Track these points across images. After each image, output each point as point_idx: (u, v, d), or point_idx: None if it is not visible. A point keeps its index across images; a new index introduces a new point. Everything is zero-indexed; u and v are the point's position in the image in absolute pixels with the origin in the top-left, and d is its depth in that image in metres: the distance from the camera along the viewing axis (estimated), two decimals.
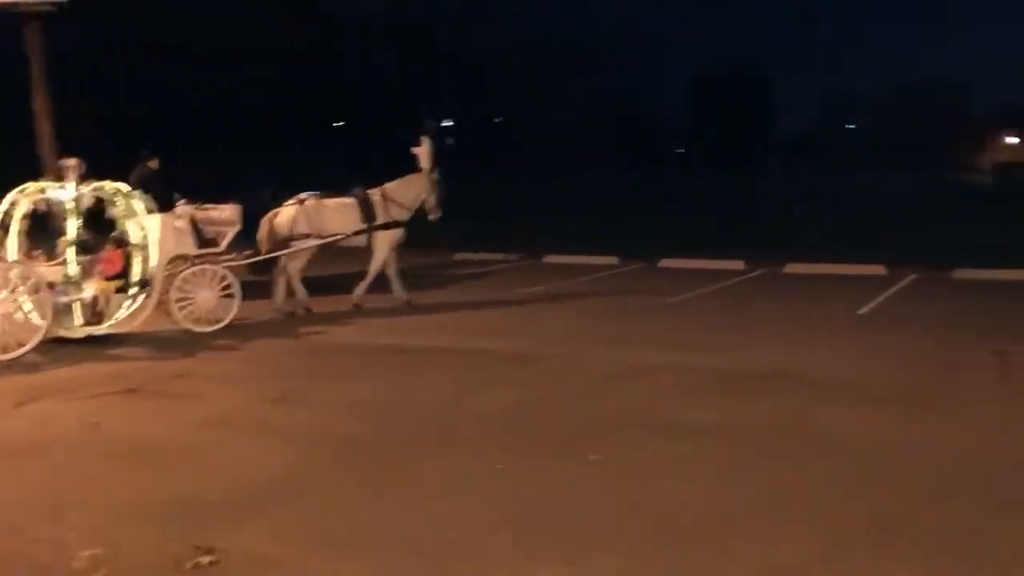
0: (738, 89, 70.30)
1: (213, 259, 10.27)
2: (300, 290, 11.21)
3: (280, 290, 11.13)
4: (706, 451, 5.34)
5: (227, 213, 10.55)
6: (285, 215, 11.23)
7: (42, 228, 9.30)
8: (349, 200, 11.42)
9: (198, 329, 9.87)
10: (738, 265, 15.25)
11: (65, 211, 9.18)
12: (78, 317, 9.29)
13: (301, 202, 11.27)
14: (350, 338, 9.40)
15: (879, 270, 14.20)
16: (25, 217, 9.25)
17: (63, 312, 9.27)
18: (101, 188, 9.46)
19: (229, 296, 10.10)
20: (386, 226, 11.39)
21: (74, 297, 9.20)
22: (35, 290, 8.84)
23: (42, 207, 9.29)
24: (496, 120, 54.29)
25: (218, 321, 9.96)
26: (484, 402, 6.57)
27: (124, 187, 9.65)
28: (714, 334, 9.19)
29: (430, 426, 6.02)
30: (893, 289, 12.09)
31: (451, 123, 50.55)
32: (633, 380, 7.10)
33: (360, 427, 6.01)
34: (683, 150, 67.33)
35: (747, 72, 70.74)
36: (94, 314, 9.45)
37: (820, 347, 8.41)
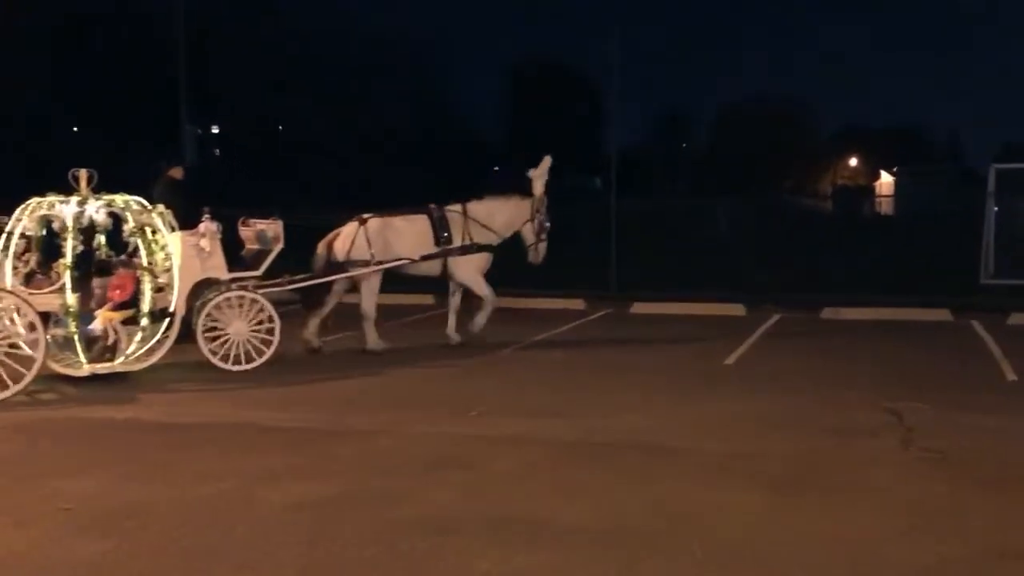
0: (566, 102, 72.39)
1: (249, 285, 10.16)
2: (371, 329, 10.95)
3: (314, 321, 10.99)
4: (573, 564, 4.75)
5: (271, 229, 10.43)
6: (346, 236, 11.07)
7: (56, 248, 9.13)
8: (419, 217, 11.26)
9: (229, 368, 9.75)
10: (578, 304, 15.08)
11: (67, 228, 9.05)
12: (82, 352, 9.19)
13: (363, 221, 11.08)
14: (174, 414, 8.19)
15: (738, 310, 14.44)
16: (24, 236, 9.19)
17: (63, 346, 9.32)
18: (112, 202, 9.33)
19: (268, 330, 9.89)
20: (464, 250, 11.19)
21: (73, 330, 9.11)
22: (30, 324, 8.78)
23: (58, 225, 9.12)
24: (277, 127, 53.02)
25: (251, 359, 9.81)
26: (269, 504, 5.69)
27: (138, 201, 9.53)
28: (560, 393, 8.72)
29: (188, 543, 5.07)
30: (758, 332, 12.15)
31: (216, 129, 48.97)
32: (470, 462, 6.43)
33: (91, 550, 4.96)
34: (498, 168, 68.33)
35: (578, 85, 73.15)
36: (106, 349, 9.39)
37: (686, 408, 8.12)
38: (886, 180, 57.01)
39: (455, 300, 11.62)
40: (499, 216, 11.41)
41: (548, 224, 11.58)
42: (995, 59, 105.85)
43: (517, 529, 5.15)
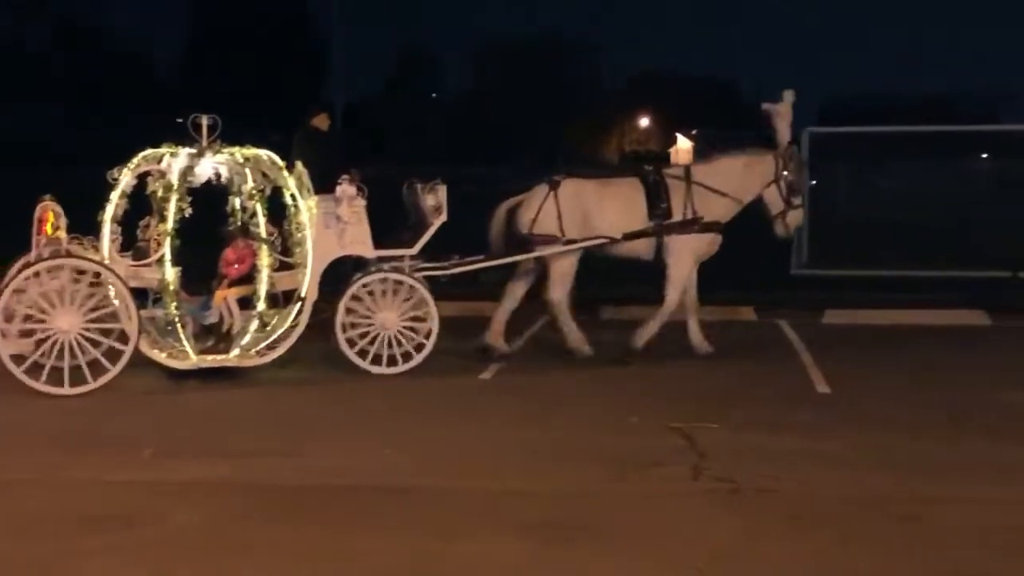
0: (276, 40, 70.60)
1: (403, 265, 10.50)
2: (570, 325, 11.17)
3: (568, 323, 11.13)
4: None
5: (431, 197, 10.66)
6: (531, 205, 11.09)
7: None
8: (629, 182, 11.16)
9: (373, 369, 10.19)
10: None
11: (171, 185, 9.70)
12: (186, 340, 9.80)
13: (555, 186, 10.96)
14: None
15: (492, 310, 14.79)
16: (124, 196, 9.83)
17: (164, 332, 10.00)
18: (231, 156, 9.93)
19: (419, 321, 10.27)
20: (685, 225, 10.93)
21: (173, 311, 9.74)
22: (123, 302, 9.45)
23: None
24: None
25: (401, 359, 10.24)
26: None
27: (269, 156, 10.13)
28: (288, 427, 8.79)
29: None
30: (522, 337, 12.60)
31: None
32: (130, 522, 6.35)
33: None
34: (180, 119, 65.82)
35: (294, 20, 71.33)
36: (220, 338, 10.05)
37: (441, 437, 8.36)
38: (683, 146, 59.88)
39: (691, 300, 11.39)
40: (735, 176, 11.28)
41: (801, 184, 11.42)
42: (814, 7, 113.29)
43: None
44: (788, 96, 11.46)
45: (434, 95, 67.30)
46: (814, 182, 17.19)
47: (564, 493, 6.99)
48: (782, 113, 11.42)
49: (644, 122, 67.78)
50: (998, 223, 17.86)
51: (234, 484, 7.10)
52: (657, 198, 11.13)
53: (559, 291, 11.16)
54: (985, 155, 27.06)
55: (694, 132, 60.33)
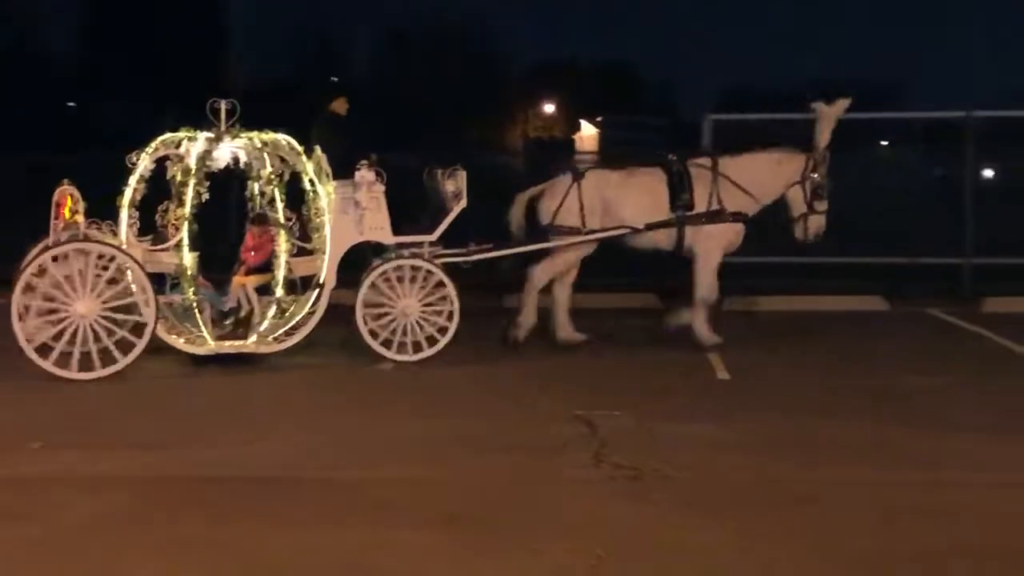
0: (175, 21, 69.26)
1: (422, 252, 10.61)
2: (531, 307, 11.28)
3: (531, 301, 11.24)
4: None
5: (451, 183, 10.84)
6: (554, 195, 11.20)
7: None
8: (652, 171, 11.23)
9: (394, 357, 10.37)
10: None
11: (189, 170, 9.94)
12: (203, 325, 10.00)
13: (579, 177, 11.11)
14: None
15: None
16: (143, 180, 10.03)
17: (182, 316, 10.20)
18: (250, 140, 10.15)
19: (439, 310, 10.40)
20: (710, 216, 10.97)
21: (191, 297, 9.99)
22: (141, 287, 9.66)
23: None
24: None
25: (422, 347, 10.40)
26: None
27: (287, 140, 10.34)
28: (173, 422, 8.69)
29: None
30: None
31: None
32: (17, 519, 6.24)
33: None
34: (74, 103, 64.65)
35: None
36: (238, 324, 10.29)
37: (348, 428, 8.39)
38: (588, 133, 60.23)
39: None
40: (760, 174, 11.24)
41: (826, 188, 11.29)
42: None
43: None
44: (842, 102, 11.43)
45: (335, 79, 66.83)
46: None
47: (466, 482, 7.05)
48: (828, 116, 11.41)
49: (548, 108, 68.07)
50: (898, 210, 18.28)
51: (127, 478, 7.03)
52: (680, 189, 11.20)
53: (545, 273, 11.32)
54: (885, 142, 27.68)
55: (599, 119, 60.71)
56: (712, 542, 5.97)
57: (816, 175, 11.27)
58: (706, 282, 11.28)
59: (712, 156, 11.48)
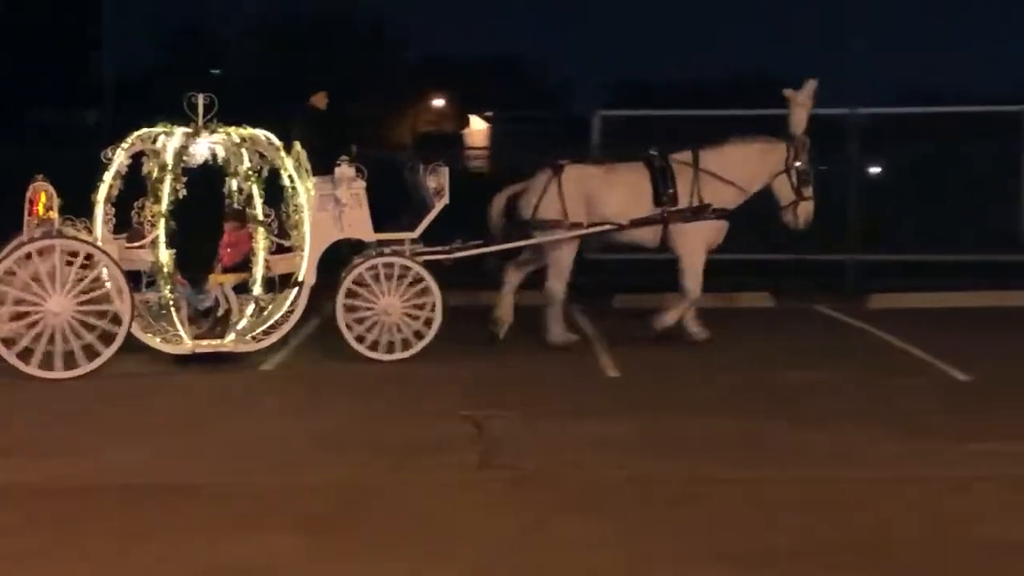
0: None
1: (404, 250, 10.67)
2: (557, 318, 11.33)
3: (507, 300, 11.41)
4: None
5: (433, 180, 10.85)
6: (534, 190, 11.19)
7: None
8: (634, 167, 11.19)
9: (378, 356, 10.38)
10: None
11: (166, 165, 9.92)
12: (180, 324, 10.00)
13: (557, 170, 10.93)
14: None
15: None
16: (119, 176, 10.01)
17: (157, 315, 10.20)
18: (228, 136, 10.14)
19: (422, 307, 10.43)
20: (695, 212, 10.99)
21: (167, 295, 9.97)
22: (117, 286, 9.68)
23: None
24: None
25: (407, 346, 10.42)
26: None
27: (267, 136, 10.38)
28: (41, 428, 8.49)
29: None
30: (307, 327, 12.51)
31: None
32: None
33: None
34: None
35: None
36: (216, 322, 10.27)
37: (213, 430, 8.29)
38: (477, 127, 60.17)
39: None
40: (742, 166, 11.23)
41: (812, 173, 11.41)
42: None
43: None
44: (809, 85, 11.52)
45: (215, 72, 65.81)
46: None
47: (346, 485, 7.00)
48: (800, 101, 11.48)
49: (438, 102, 67.92)
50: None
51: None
52: (663, 184, 11.25)
53: (558, 281, 11.31)
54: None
55: (489, 113, 60.72)
56: (593, 541, 5.99)
57: (799, 163, 11.44)
58: (692, 280, 11.40)
59: (692, 151, 11.55)
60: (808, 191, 11.48)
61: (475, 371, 10.53)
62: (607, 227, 11.35)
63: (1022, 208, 16.41)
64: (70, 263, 9.76)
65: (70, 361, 9.72)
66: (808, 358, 11.11)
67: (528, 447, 7.86)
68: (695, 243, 11.34)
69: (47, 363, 9.65)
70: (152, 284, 10.27)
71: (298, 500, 6.68)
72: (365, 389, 9.80)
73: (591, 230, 11.36)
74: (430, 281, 10.55)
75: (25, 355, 9.63)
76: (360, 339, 10.53)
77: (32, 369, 9.58)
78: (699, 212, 11.27)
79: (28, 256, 9.69)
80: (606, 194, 11.33)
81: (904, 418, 8.72)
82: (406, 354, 10.55)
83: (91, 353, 9.77)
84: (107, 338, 9.78)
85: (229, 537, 6.00)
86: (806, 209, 11.52)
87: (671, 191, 11.26)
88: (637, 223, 11.29)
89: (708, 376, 10.33)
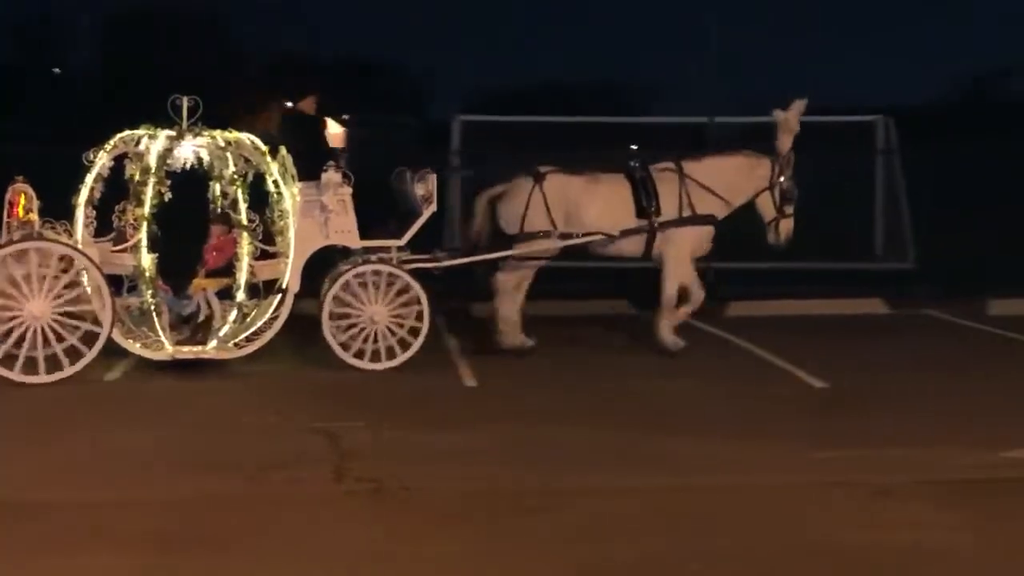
0: None
1: (391, 257, 10.64)
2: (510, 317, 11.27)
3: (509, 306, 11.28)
4: None
5: (421, 186, 10.89)
6: (516, 198, 11.08)
7: None
8: (614, 177, 11.29)
9: (365, 365, 10.43)
10: None
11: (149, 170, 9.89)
12: (161, 330, 9.97)
13: (539, 178, 10.95)
14: None
15: None
16: (100, 179, 10.05)
17: (139, 320, 10.18)
18: (212, 139, 10.15)
19: (411, 316, 10.46)
20: (681, 222, 11.08)
21: (149, 300, 9.93)
22: (96, 288, 9.70)
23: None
24: None
25: (393, 354, 10.46)
26: None
27: (251, 140, 10.38)
28: None
29: None
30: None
31: None
32: None
33: None
34: None
35: None
36: (198, 328, 10.24)
37: (50, 449, 8.04)
38: (334, 131, 59.93)
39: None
40: (727, 178, 11.31)
41: (795, 191, 11.41)
42: None
43: None
44: (798, 105, 11.60)
45: (57, 71, 64.17)
46: (470, 173, 17.39)
47: (190, 500, 6.86)
48: (787, 121, 11.57)
49: (288, 104, 67.37)
50: None
51: None
52: (645, 194, 11.26)
53: (513, 277, 11.37)
54: (635, 146, 28.41)
55: (345, 117, 60.42)
56: (448, 554, 6.00)
57: (783, 179, 11.55)
58: (671, 287, 11.45)
59: (676, 160, 11.61)
60: (790, 208, 11.62)
61: (329, 383, 10.39)
62: (595, 237, 11.37)
63: (875, 218, 16.88)
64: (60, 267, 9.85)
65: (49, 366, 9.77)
66: (665, 367, 11.21)
67: (385, 459, 7.80)
68: (682, 251, 11.44)
69: (28, 368, 9.71)
70: (134, 289, 10.27)
71: (139, 517, 6.49)
72: (211, 399, 9.64)
73: (583, 239, 11.38)
74: (417, 290, 10.55)
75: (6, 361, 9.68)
76: (345, 347, 10.54)
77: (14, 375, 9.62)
78: (688, 220, 11.39)
79: (3, 259, 9.73)
80: (588, 203, 11.38)
81: (761, 426, 8.88)
82: (392, 363, 10.57)
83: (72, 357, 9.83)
84: (88, 342, 9.81)
85: (55, 557, 5.83)
86: (787, 226, 11.63)
87: (653, 201, 11.34)
88: (627, 233, 11.36)
89: (568, 385, 10.38)
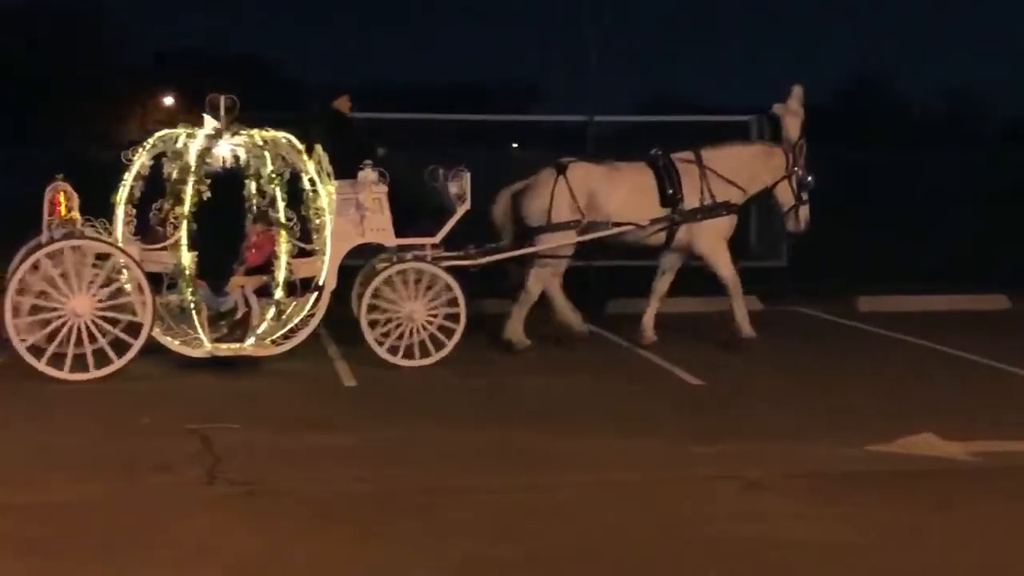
0: None
1: (425, 255, 10.85)
2: (565, 308, 11.69)
3: (561, 301, 11.65)
4: None
5: (455, 184, 10.98)
6: (541, 191, 11.17)
7: None
8: (637, 167, 11.40)
9: (401, 362, 10.56)
10: None
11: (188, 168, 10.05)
12: (200, 327, 10.14)
13: (562, 169, 11.07)
14: None
15: None
16: (140, 178, 10.27)
17: (178, 317, 10.44)
18: (250, 138, 10.31)
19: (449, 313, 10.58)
20: (707, 211, 11.25)
21: (189, 297, 10.12)
22: (138, 287, 9.92)
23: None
24: None
25: (428, 351, 10.60)
26: None
27: (287, 139, 10.45)
28: None
29: None
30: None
31: None
32: None
33: None
34: None
35: None
36: (236, 326, 10.42)
37: None
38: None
39: (663, 284, 11.90)
40: (746, 166, 11.52)
41: (810, 179, 11.59)
42: None
43: None
44: (796, 91, 11.81)
45: None
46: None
47: (59, 504, 6.79)
48: (791, 110, 11.78)
49: (168, 100, 66.30)
50: None
51: None
52: (670, 184, 11.41)
53: (538, 282, 11.49)
54: (516, 144, 28.68)
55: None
56: (330, 557, 6.04)
57: (798, 168, 11.76)
58: (726, 269, 11.70)
59: (694, 150, 11.76)
60: (806, 195, 11.91)
61: (205, 385, 10.29)
62: (625, 228, 11.52)
63: (751, 217, 17.18)
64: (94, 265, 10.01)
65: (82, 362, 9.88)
66: (546, 364, 11.34)
67: (260, 460, 7.81)
68: (714, 238, 11.65)
69: (73, 365, 9.85)
70: (173, 286, 10.41)
71: (10, 523, 6.40)
72: (79, 402, 9.50)
73: (614, 231, 11.53)
74: (455, 288, 10.71)
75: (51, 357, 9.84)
76: (380, 343, 10.70)
77: (51, 370, 9.77)
78: (709, 211, 11.57)
79: (51, 256, 9.90)
80: (610, 193, 11.53)
81: (638, 423, 9.06)
82: (426, 361, 10.71)
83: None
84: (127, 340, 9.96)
85: None
86: (805, 212, 11.93)
87: (675, 191, 11.51)
88: (656, 222, 11.52)
89: (447, 383, 10.45)
